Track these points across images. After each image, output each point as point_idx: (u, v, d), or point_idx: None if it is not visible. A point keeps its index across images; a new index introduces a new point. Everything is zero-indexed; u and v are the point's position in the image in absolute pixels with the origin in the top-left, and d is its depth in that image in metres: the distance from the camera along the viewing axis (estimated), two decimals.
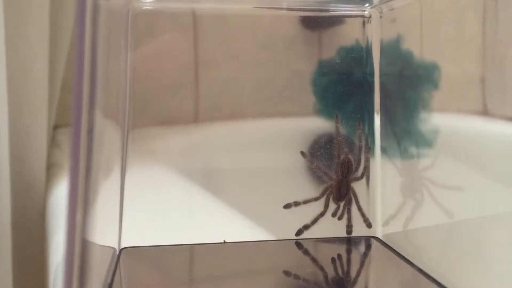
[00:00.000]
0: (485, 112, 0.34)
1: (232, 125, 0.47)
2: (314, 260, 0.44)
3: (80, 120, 0.24)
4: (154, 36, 0.45)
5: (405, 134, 0.43)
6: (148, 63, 0.44)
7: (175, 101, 0.46)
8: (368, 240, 0.46)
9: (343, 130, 0.45)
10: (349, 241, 0.46)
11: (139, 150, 0.44)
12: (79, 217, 0.24)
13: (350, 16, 0.46)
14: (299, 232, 0.45)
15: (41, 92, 0.67)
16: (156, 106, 0.45)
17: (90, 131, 0.24)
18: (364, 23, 0.46)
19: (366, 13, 0.46)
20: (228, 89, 0.46)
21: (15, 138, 0.66)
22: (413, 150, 0.42)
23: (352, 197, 0.45)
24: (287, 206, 0.44)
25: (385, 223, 0.46)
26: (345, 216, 0.45)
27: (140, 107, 0.44)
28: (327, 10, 0.46)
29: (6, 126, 0.63)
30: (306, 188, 0.45)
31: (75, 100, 0.24)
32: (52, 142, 0.73)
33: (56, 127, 0.75)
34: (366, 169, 0.45)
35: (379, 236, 0.46)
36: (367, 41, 0.46)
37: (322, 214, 0.45)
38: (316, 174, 0.45)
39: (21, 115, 0.66)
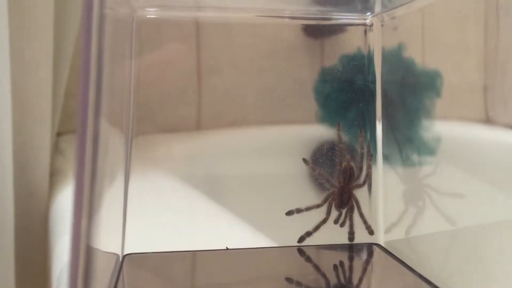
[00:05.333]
0: (487, 120, 0.35)
1: (234, 132, 0.47)
2: (316, 267, 0.44)
3: (86, 127, 0.24)
4: (158, 44, 0.45)
5: (407, 142, 0.43)
6: (151, 71, 0.44)
7: (178, 108, 0.46)
8: (370, 247, 0.46)
9: (345, 138, 0.45)
10: (351, 248, 0.46)
11: (142, 157, 0.44)
12: (84, 223, 0.24)
13: (352, 25, 0.47)
14: (301, 239, 0.45)
15: (45, 99, 0.68)
16: (160, 114, 0.45)
17: (95, 138, 0.25)
18: (366, 31, 0.47)
19: (367, 21, 0.47)
20: (231, 97, 0.46)
21: (19, 145, 0.66)
22: (415, 157, 0.43)
23: (354, 204, 0.45)
24: (289, 213, 0.44)
25: (387, 230, 0.46)
26: (347, 223, 0.45)
27: (144, 114, 0.44)
28: (329, 19, 0.46)
29: (10, 132, 0.64)
30: (308, 195, 0.45)
31: (81, 107, 0.24)
32: (55, 149, 0.74)
33: (59, 134, 0.75)
34: (368, 176, 0.46)
35: (381, 243, 0.46)
36: (369, 49, 0.46)
37: (324, 221, 0.45)
38: (318, 181, 0.45)
39: (24, 122, 0.67)
